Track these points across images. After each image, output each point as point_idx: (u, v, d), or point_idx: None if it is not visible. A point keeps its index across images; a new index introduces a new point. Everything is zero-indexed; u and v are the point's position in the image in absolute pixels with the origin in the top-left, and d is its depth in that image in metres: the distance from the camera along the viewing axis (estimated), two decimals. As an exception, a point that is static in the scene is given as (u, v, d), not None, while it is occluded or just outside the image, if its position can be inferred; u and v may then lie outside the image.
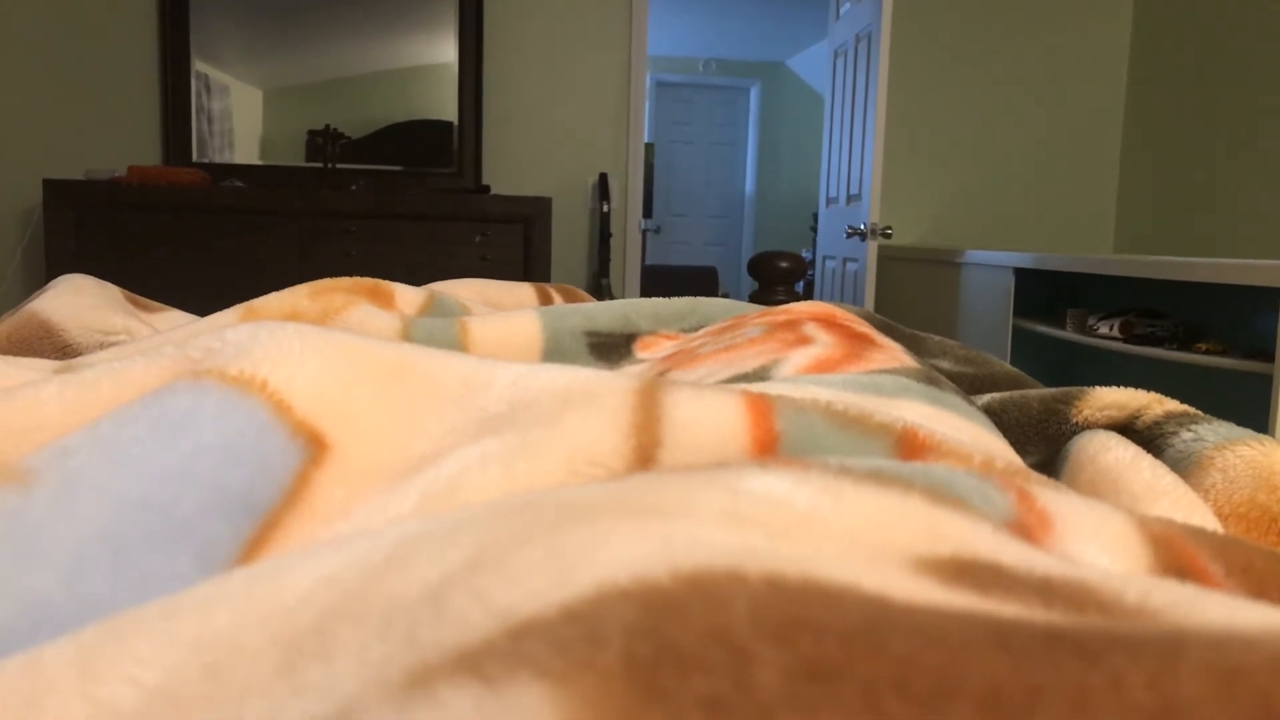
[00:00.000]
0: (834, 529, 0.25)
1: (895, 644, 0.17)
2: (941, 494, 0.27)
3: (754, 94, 7.52)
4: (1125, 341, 2.51)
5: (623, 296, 3.62)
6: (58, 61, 3.18)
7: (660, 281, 6.23)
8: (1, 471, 0.31)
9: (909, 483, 0.27)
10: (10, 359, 0.54)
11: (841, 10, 3.77)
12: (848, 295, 3.54)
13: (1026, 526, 0.28)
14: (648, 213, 7.50)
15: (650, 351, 0.81)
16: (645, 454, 0.35)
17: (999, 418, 0.67)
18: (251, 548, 0.32)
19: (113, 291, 0.85)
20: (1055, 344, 3.21)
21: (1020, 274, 2.97)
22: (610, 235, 3.48)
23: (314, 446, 0.35)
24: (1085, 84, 3.97)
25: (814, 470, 0.28)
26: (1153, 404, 0.62)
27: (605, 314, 0.83)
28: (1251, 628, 0.18)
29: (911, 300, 3.73)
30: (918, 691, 0.16)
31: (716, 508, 0.25)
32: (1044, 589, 0.22)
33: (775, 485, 0.26)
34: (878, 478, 0.27)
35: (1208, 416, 0.59)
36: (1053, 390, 0.67)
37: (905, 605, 0.18)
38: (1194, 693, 0.15)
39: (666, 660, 0.16)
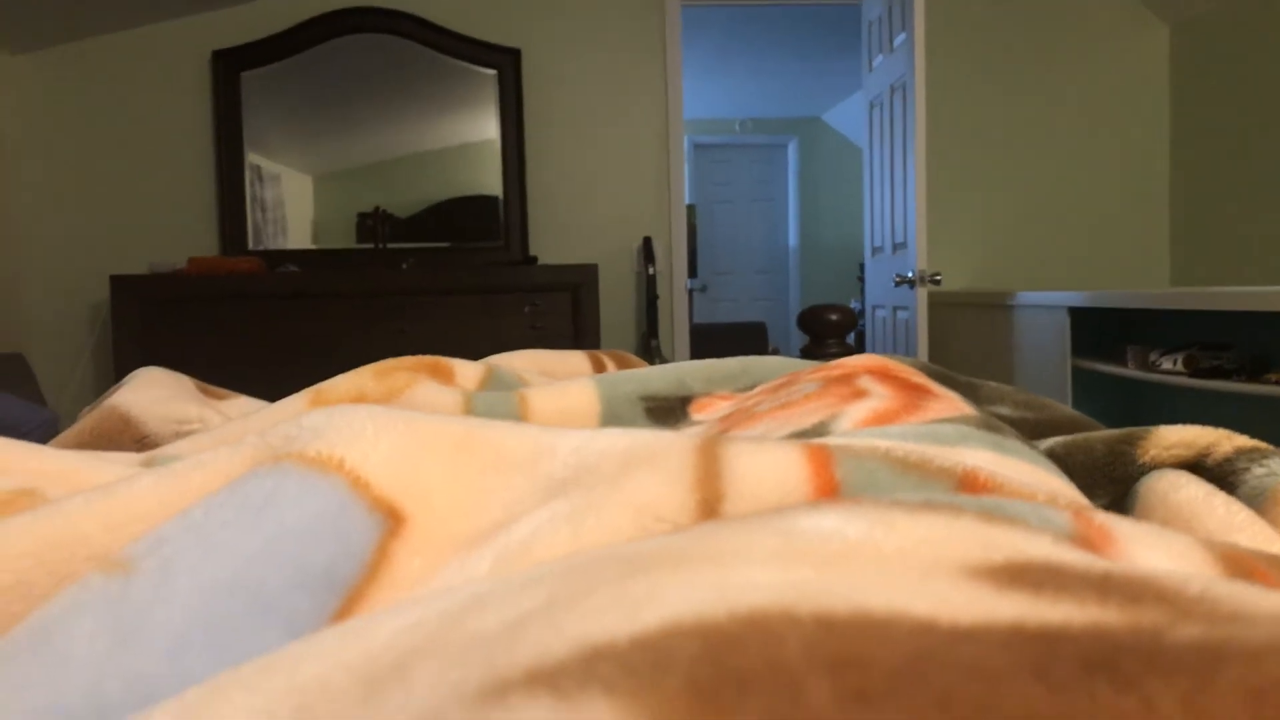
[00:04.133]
0: (885, 552, 0.25)
1: (937, 677, 0.18)
2: (994, 515, 0.28)
3: (791, 149, 7.59)
4: (1190, 376, 2.45)
5: (672, 356, 3.64)
6: (119, 164, 3.34)
7: (709, 339, 6.25)
8: (105, 562, 0.33)
9: (960, 507, 0.28)
10: (99, 454, 0.57)
11: (874, 63, 3.81)
12: (899, 344, 3.51)
13: (1087, 539, 0.28)
14: (693, 272, 7.55)
15: (706, 413, 0.81)
16: (709, 508, 0.36)
17: (1063, 462, 0.66)
18: (336, 619, 0.33)
19: (185, 382, 0.88)
20: (1117, 383, 3.15)
21: (1075, 313, 2.93)
22: (657, 297, 3.51)
23: (391, 520, 0.36)
24: (1127, 116, 3.95)
25: (865, 505, 0.28)
26: (1221, 440, 0.61)
27: (659, 378, 0.84)
28: None
29: (965, 346, 3.69)
30: (959, 716, 0.16)
31: (768, 549, 0.26)
32: (1102, 584, 0.22)
33: (825, 521, 0.27)
34: (929, 506, 0.28)
35: (1280, 450, 0.58)
36: (1116, 431, 0.66)
37: (950, 631, 0.19)
38: (1224, 712, 0.16)
39: (727, 683, 0.17)
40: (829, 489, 0.36)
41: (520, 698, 0.18)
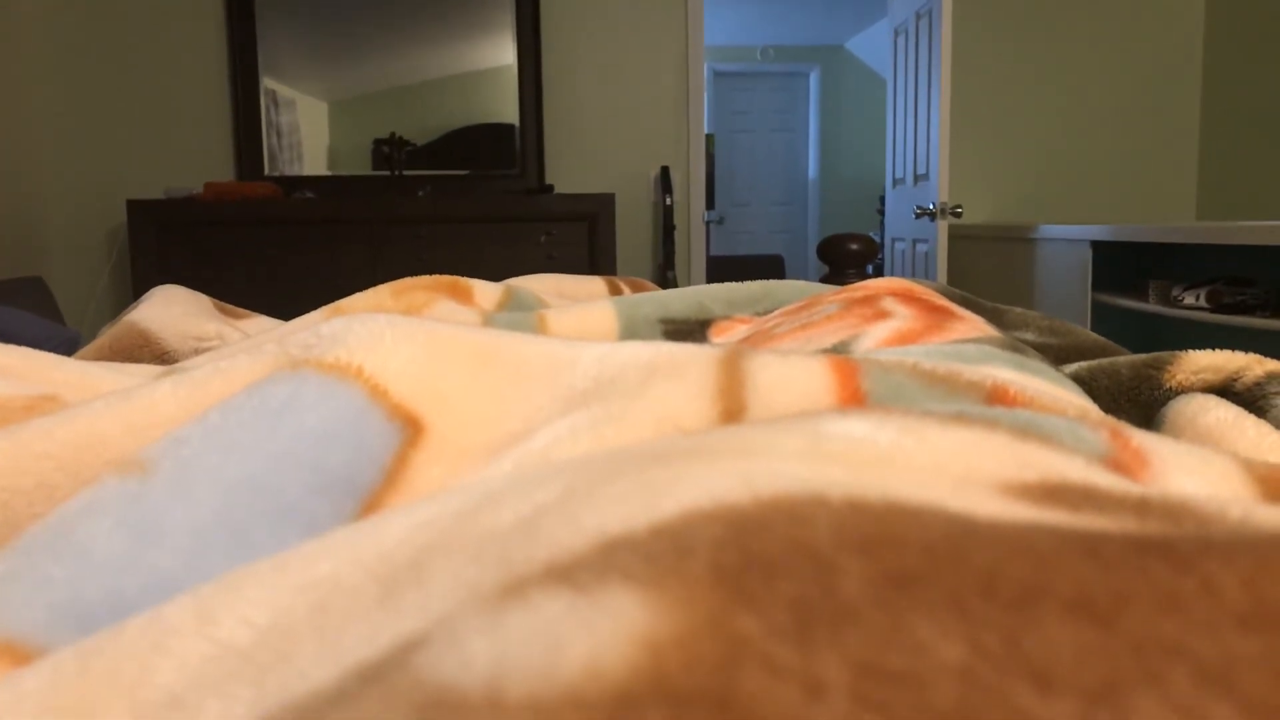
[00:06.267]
0: (917, 463, 0.25)
1: (979, 555, 0.17)
2: (1028, 431, 0.27)
3: (813, 78, 7.44)
4: (1214, 311, 2.42)
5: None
6: (135, 88, 3.30)
7: (726, 272, 6.21)
8: (122, 463, 0.32)
9: (994, 421, 0.27)
10: (116, 365, 0.57)
11: (900, -12, 3.70)
12: (919, 276, 3.48)
13: (1122, 463, 0.28)
14: (710, 204, 7.48)
15: (725, 336, 0.81)
16: (732, 419, 0.35)
17: (1088, 386, 0.65)
18: (356, 527, 0.33)
19: (203, 300, 0.88)
20: (1138, 318, 3.12)
21: (1098, 247, 2.88)
22: (674, 228, 3.48)
23: (410, 428, 0.36)
24: (1159, 44, 3.84)
25: (896, 414, 0.28)
26: (1252, 365, 0.59)
27: (679, 301, 0.83)
28: None
29: (985, 279, 3.65)
30: (1004, 597, 0.16)
31: (795, 448, 0.25)
32: (1140, 507, 0.21)
33: (856, 427, 0.27)
34: (961, 418, 0.27)
35: (1311, 375, 0.56)
36: (1143, 356, 0.65)
37: (990, 521, 0.19)
38: None
39: (753, 568, 0.17)
40: (855, 400, 0.35)
41: (538, 594, 0.17)
